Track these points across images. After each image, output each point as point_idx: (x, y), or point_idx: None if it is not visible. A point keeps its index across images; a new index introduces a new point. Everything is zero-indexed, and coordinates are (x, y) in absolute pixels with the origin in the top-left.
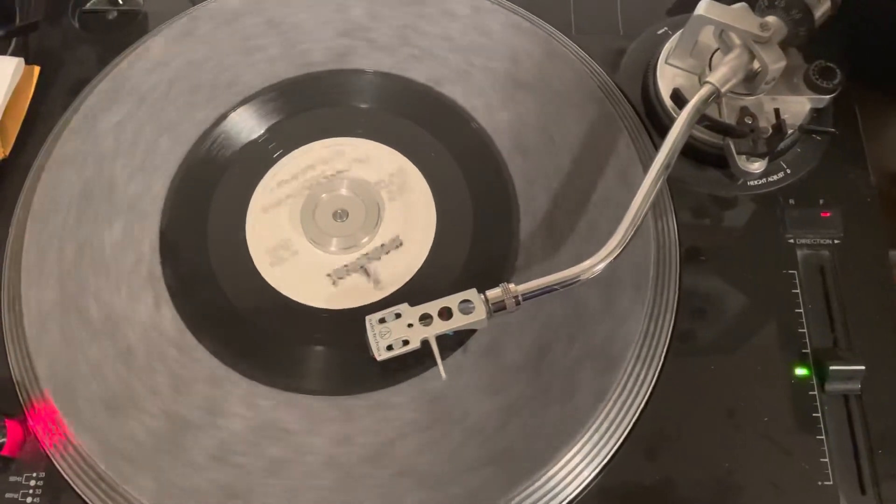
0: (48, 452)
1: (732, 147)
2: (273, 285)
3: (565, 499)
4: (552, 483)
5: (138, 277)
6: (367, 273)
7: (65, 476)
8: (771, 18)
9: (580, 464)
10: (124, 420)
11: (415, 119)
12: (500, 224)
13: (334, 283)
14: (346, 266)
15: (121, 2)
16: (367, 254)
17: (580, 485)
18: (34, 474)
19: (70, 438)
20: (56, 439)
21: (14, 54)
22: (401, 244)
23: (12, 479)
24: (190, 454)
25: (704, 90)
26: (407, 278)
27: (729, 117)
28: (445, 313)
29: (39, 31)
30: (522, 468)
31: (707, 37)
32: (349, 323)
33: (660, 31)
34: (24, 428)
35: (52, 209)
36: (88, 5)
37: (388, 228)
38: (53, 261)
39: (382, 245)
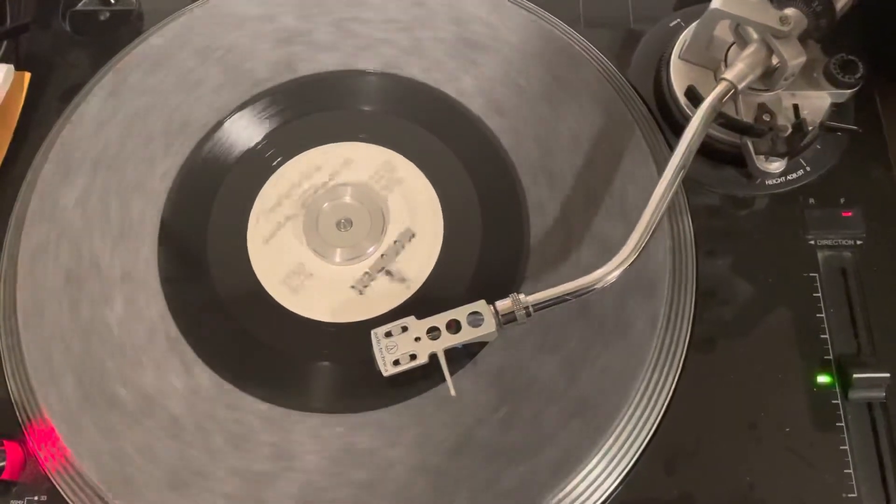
0: (49, 475)
1: (751, 147)
2: (297, 312)
3: None
4: (570, 498)
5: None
6: (390, 274)
7: (67, 499)
8: (790, 11)
9: (597, 479)
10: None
11: (420, 122)
12: (510, 230)
13: (360, 291)
14: (366, 273)
15: (113, 1)
16: (383, 255)
17: (598, 500)
18: (36, 498)
19: (71, 460)
20: (57, 462)
21: (3, 60)
22: (413, 236)
23: (13, 502)
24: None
25: (721, 88)
26: (414, 289)
27: (746, 115)
28: (454, 326)
29: (29, 36)
30: (539, 483)
31: (722, 30)
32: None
33: (672, 24)
34: (25, 450)
35: (37, 311)
36: (79, 6)
37: (394, 230)
38: (62, 359)
39: (395, 242)
